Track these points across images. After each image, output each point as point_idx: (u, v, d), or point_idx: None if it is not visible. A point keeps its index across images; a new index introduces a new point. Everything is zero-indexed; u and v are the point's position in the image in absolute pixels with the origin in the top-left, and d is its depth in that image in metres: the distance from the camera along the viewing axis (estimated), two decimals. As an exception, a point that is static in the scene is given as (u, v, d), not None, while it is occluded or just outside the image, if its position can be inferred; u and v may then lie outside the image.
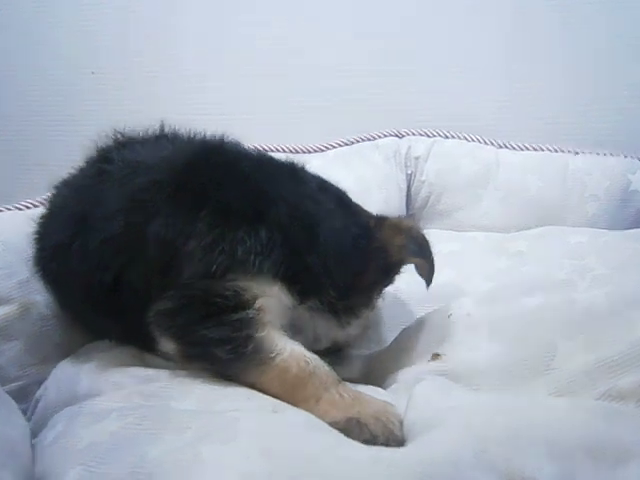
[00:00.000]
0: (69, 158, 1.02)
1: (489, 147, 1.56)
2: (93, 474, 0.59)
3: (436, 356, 0.92)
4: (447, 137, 1.59)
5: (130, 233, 0.84)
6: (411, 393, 0.76)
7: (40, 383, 0.96)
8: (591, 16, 1.57)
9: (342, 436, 0.64)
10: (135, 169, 0.92)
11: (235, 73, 1.71)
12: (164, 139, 1.01)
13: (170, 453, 0.59)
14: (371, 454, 0.57)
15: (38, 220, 1.00)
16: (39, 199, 1.16)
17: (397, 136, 1.60)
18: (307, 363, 0.76)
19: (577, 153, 1.53)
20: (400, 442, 0.67)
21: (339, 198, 0.97)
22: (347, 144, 1.57)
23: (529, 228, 1.36)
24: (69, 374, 0.92)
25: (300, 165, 0.99)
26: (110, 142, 1.00)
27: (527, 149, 1.55)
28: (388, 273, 0.96)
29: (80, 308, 0.97)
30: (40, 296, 1.00)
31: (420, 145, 1.57)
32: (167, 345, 0.81)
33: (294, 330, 0.86)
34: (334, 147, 1.56)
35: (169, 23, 1.72)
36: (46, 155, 1.74)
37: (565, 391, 0.80)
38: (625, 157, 1.51)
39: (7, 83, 1.81)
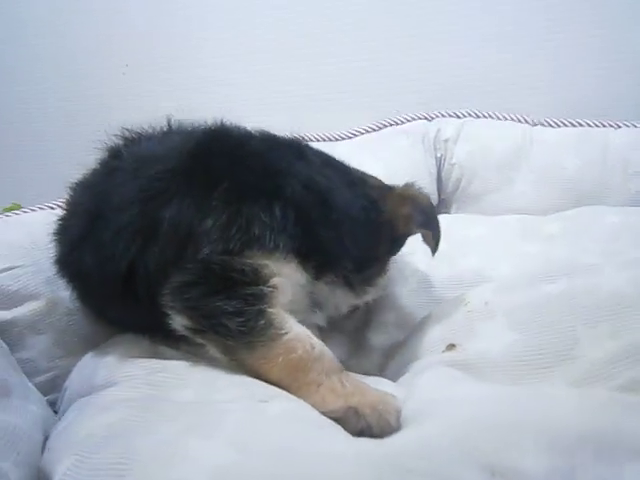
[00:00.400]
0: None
1: (522, 125, 1.49)
2: (84, 464, 0.61)
3: (451, 346, 0.89)
4: (478, 117, 1.53)
5: (144, 220, 0.86)
6: (412, 383, 0.74)
7: (68, 375, 1.00)
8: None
9: (326, 429, 0.63)
10: (145, 161, 0.93)
11: (259, 61, 1.72)
12: (171, 132, 1.04)
13: (157, 445, 0.60)
14: (352, 448, 0.56)
15: (56, 220, 1.04)
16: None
17: (426, 119, 1.56)
18: (312, 347, 0.76)
19: (619, 126, 1.44)
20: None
21: (345, 172, 0.98)
22: (375, 129, 1.54)
23: (567, 209, 1.30)
24: (90, 366, 0.95)
25: (304, 142, 1.02)
26: (119, 140, 1.02)
27: (564, 125, 1.47)
28: (397, 244, 0.99)
29: (99, 301, 1.00)
30: (66, 292, 1.05)
31: (449, 127, 1.52)
32: (180, 321, 0.80)
33: (315, 304, 0.90)
34: (361, 133, 1.54)
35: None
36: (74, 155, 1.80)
37: (584, 381, 0.76)
38: (673, 128, 1.40)
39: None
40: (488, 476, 0.51)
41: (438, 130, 1.53)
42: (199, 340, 0.80)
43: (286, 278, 0.82)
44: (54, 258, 1.01)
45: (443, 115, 1.55)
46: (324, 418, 0.67)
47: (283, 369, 0.75)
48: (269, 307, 0.77)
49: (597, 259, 0.94)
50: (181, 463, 0.56)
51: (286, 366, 0.75)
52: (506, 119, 1.51)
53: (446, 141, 1.51)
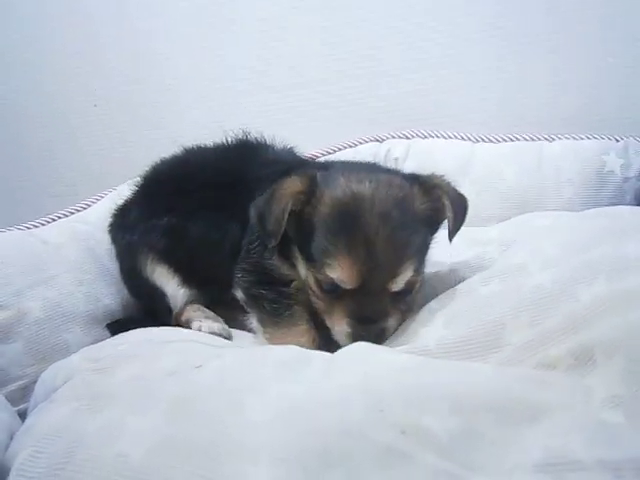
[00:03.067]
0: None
1: (465, 142, 1.61)
2: (40, 454, 0.69)
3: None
4: (425, 137, 1.65)
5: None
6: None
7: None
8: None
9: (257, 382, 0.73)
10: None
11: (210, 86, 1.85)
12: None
13: (101, 427, 0.69)
14: (276, 409, 0.65)
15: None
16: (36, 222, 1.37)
17: (377, 141, 1.68)
18: (314, 340, 1.04)
19: (553, 139, 1.57)
20: None
21: (375, 166, 1.22)
22: (330, 152, 1.65)
23: (509, 218, 1.41)
24: (52, 372, 1.00)
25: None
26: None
27: (503, 140, 1.60)
28: (433, 231, 1.09)
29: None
30: (34, 302, 1.14)
31: (399, 146, 1.64)
32: (239, 295, 1.14)
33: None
34: (317, 157, 1.64)
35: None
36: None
37: (508, 364, 0.86)
38: (601, 138, 1.53)
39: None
40: (398, 434, 0.60)
41: (388, 150, 1.64)
42: (248, 310, 1.12)
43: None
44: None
45: (393, 137, 1.67)
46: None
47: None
48: (295, 304, 1.06)
49: (523, 259, 1.04)
50: (121, 439, 0.65)
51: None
52: (451, 138, 1.63)
53: (396, 159, 1.63)
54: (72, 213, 1.47)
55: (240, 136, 1.32)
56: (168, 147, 1.34)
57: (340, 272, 0.96)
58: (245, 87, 1.86)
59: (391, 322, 1.00)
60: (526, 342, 0.86)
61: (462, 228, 1.06)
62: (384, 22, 1.73)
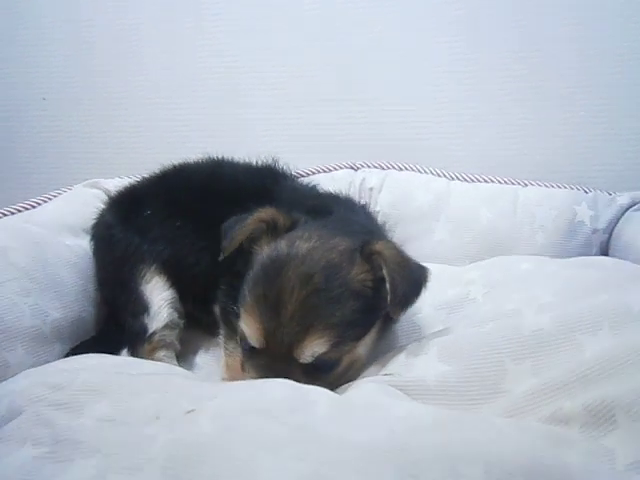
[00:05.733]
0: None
1: (441, 179, 1.59)
2: None
3: (388, 375, 0.92)
4: (401, 169, 1.62)
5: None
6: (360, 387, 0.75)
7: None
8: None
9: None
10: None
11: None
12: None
13: None
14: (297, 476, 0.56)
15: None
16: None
17: (352, 168, 1.63)
18: None
19: (526, 185, 1.58)
20: None
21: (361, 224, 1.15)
22: (303, 176, 1.58)
23: (482, 258, 1.39)
24: None
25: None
26: None
27: (478, 180, 1.59)
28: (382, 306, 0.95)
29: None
30: None
31: (374, 177, 1.60)
32: (216, 309, 1.13)
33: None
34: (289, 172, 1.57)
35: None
36: None
37: (514, 413, 0.81)
38: (571, 189, 1.56)
39: None
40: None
41: (363, 179, 1.60)
42: (219, 324, 1.11)
43: None
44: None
45: (368, 166, 1.63)
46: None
47: None
48: None
49: (517, 305, 1.01)
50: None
51: None
52: (426, 172, 1.60)
53: (371, 189, 1.59)
54: (19, 211, 1.32)
55: (268, 162, 1.30)
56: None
57: (247, 326, 0.89)
58: (216, 101, 1.78)
59: None
60: (533, 391, 0.82)
61: (418, 298, 0.93)
62: (367, 51, 1.71)
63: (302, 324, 0.85)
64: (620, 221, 1.50)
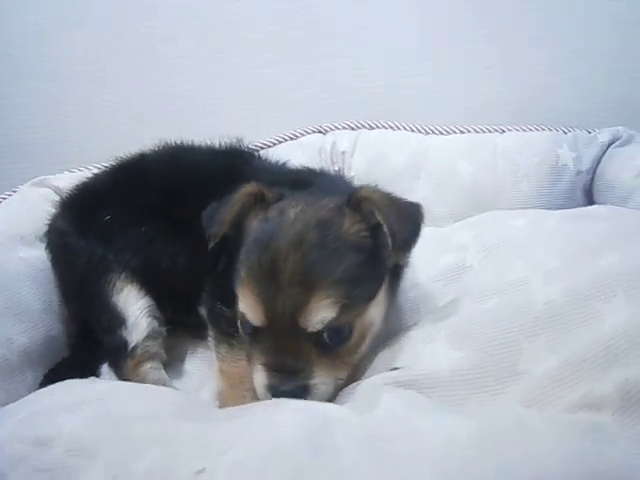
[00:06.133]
0: None
1: (416, 134, 1.50)
2: None
3: (395, 369, 0.86)
4: (372, 128, 1.52)
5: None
6: (371, 410, 0.68)
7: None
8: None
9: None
10: None
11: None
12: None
13: None
14: None
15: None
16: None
17: (320, 132, 1.53)
18: None
19: (503, 131, 1.50)
20: None
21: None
22: (269, 145, 1.48)
23: (468, 214, 1.33)
24: None
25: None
26: None
27: (453, 132, 1.51)
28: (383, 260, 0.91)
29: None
30: None
31: (344, 139, 1.50)
32: (202, 310, 1.04)
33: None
34: (257, 149, 1.45)
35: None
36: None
37: (537, 400, 0.76)
38: (549, 130, 1.49)
39: None
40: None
41: (334, 143, 1.50)
42: (209, 327, 1.01)
43: None
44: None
45: (337, 127, 1.52)
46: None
47: (235, 368, 0.93)
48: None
49: (520, 274, 0.95)
50: None
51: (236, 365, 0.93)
52: (399, 129, 1.51)
53: (343, 153, 1.49)
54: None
55: (232, 143, 1.19)
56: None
57: (244, 303, 0.82)
58: (179, 77, 1.62)
59: (318, 376, 0.80)
60: (556, 372, 0.77)
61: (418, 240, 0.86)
62: (331, 7, 1.57)
63: (303, 285, 0.78)
64: (602, 160, 1.45)
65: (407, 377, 0.82)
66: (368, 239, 0.85)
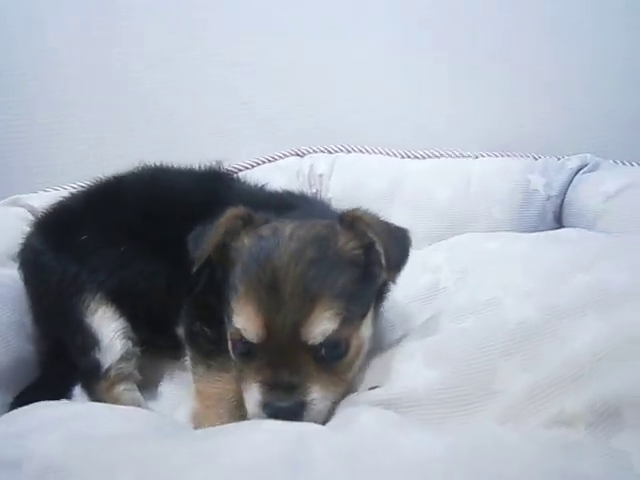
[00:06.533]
0: None
1: (392, 158, 1.53)
2: None
3: (373, 389, 0.87)
4: (349, 152, 1.55)
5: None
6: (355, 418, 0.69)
7: None
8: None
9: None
10: None
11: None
12: None
13: None
14: None
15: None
16: None
17: (298, 155, 1.55)
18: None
19: (477, 157, 1.54)
20: None
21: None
22: (248, 168, 1.49)
23: (443, 237, 1.35)
24: None
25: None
26: None
27: (429, 157, 1.54)
28: (373, 277, 0.93)
29: None
30: None
31: (322, 162, 1.53)
32: (180, 330, 1.02)
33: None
34: (235, 172, 1.47)
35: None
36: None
37: (512, 417, 0.77)
38: (520, 157, 1.54)
39: None
40: None
41: (311, 166, 1.52)
42: (186, 347, 1.00)
43: None
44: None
45: (315, 151, 1.54)
46: None
47: (215, 388, 0.92)
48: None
49: (493, 293, 0.96)
50: None
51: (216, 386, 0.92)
52: (375, 153, 1.54)
53: (320, 176, 1.51)
54: None
55: (211, 165, 1.19)
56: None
57: (242, 319, 0.81)
58: (157, 100, 1.63)
59: (315, 392, 0.80)
60: (528, 392, 0.79)
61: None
62: (311, 32, 1.61)
63: (306, 297, 0.79)
64: (571, 185, 1.50)
65: (385, 396, 0.83)
66: (362, 257, 0.87)
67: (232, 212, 0.90)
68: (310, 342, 0.79)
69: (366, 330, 0.90)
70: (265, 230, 0.87)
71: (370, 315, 0.91)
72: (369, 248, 0.87)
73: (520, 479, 0.58)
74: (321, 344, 0.80)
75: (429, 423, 0.79)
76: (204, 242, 0.87)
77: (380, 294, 0.98)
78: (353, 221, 0.88)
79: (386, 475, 0.56)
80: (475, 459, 0.61)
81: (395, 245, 0.87)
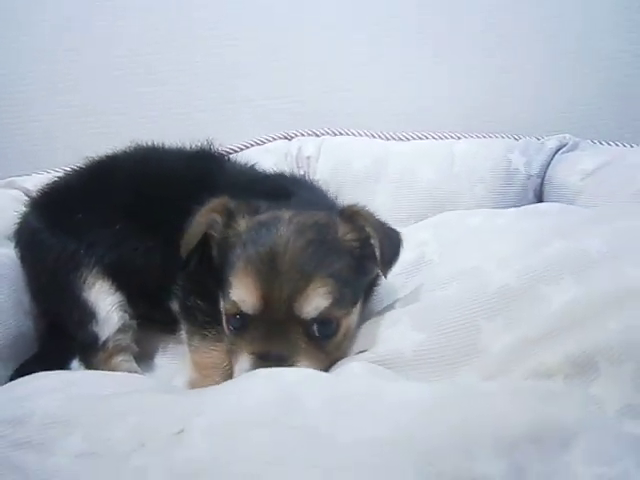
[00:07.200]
0: None
1: (377, 140, 1.57)
2: None
3: (362, 352, 0.91)
4: (335, 134, 1.58)
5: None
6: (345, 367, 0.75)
7: None
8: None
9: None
10: None
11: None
12: None
13: None
14: None
15: None
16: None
17: (286, 138, 1.58)
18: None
19: (459, 138, 1.59)
20: None
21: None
22: (237, 150, 1.52)
23: (427, 216, 1.39)
24: None
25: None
26: None
27: (413, 138, 1.58)
28: (366, 271, 0.99)
29: None
30: None
31: (310, 145, 1.56)
32: (174, 305, 1.05)
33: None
34: (228, 154, 1.50)
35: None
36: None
37: (495, 373, 0.81)
38: (502, 137, 1.58)
39: None
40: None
41: (299, 148, 1.55)
42: (181, 321, 1.03)
43: None
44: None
45: (302, 134, 1.58)
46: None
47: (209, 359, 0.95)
48: None
49: (477, 261, 1.01)
50: None
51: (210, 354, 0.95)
52: (361, 135, 1.58)
53: (308, 158, 1.54)
54: None
55: (203, 145, 1.22)
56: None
57: (240, 291, 0.85)
58: (149, 82, 1.65)
59: (303, 366, 0.82)
60: (510, 349, 0.83)
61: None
62: (298, 18, 1.64)
63: (302, 272, 0.83)
64: (550, 165, 1.55)
65: (373, 358, 0.87)
66: (357, 249, 0.92)
67: (209, 206, 0.94)
68: (303, 316, 0.83)
69: (355, 316, 0.95)
70: (265, 216, 0.92)
71: (359, 305, 0.96)
72: (365, 242, 0.92)
73: (499, 417, 0.62)
74: (313, 319, 0.84)
75: (416, 380, 0.84)
76: (187, 237, 0.93)
77: (370, 287, 1.03)
78: (352, 215, 0.93)
79: (373, 414, 0.61)
80: (457, 402, 0.65)
81: (389, 242, 0.92)
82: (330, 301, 0.84)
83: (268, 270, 0.83)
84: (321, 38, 1.66)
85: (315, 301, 0.83)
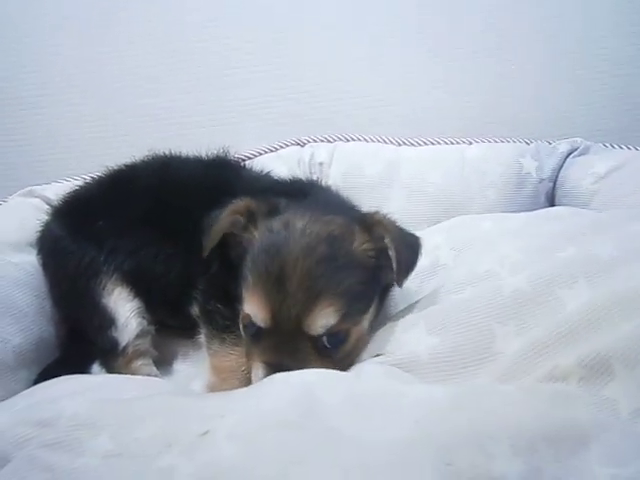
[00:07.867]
0: None
1: (389, 146, 1.59)
2: None
3: (378, 355, 0.92)
4: (347, 140, 1.60)
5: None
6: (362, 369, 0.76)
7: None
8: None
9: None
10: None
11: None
12: None
13: None
14: None
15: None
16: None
17: (299, 144, 1.60)
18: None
19: (471, 143, 1.60)
20: None
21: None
22: (250, 157, 1.54)
23: (439, 220, 1.40)
24: None
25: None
26: None
27: (424, 144, 1.60)
28: (383, 280, 1.00)
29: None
30: None
31: (322, 151, 1.58)
32: (194, 310, 1.06)
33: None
34: (242, 160, 1.52)
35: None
36: None
37: (509, 376, 0.82)
38: (514, 142, 1.59)
39: None
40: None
41: (312, 154, 1.57)
42: (200, 325, 1.04)
43: None
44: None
45: (315, 140, 1.59)
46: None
47: (227, 362, 0.97)
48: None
49: (490, 265, 1.02)
50: None
51: (228, 360, 0.97)
52: (373, 141, 1.59)
53: (321, 164, 1.56)
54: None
55: (219, 153, 1.24)
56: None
57: (252, 305, 0.87)
58: (162, 90, 1.68)
59: None
60: (522, 353, 0.84)
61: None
62: (307, 24, 1.66)
63: (310, 292, 0.84)
64: (562, 168, 1.56)
65: (390, 361, 0.88)
66: (373, 259, 0.92)
67: (233, 207, 0.95)
68: (311, 333, 0.85)
69: (366, 323, 0.96)
70: (277, 223, 0.91)
71: (372, 310, 0.97)
72: (381, 253, 0.92)
73: (516, 418, 0.63)
74: (322, 335, 0.86)
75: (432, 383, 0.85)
76: (209, 234, 0.94)
77: (384, 291, 1.03)
78: (372, 225, 0.93)
79: (391, 414, 0.62)
80: (473, 401, 0.67)
81: (408, 252, 0.93)
82: (338, 318, 0.85)
83: (277, 290, 0.84)
84: (335, 47, 1.68)
85: (323, 320, 0.85)
